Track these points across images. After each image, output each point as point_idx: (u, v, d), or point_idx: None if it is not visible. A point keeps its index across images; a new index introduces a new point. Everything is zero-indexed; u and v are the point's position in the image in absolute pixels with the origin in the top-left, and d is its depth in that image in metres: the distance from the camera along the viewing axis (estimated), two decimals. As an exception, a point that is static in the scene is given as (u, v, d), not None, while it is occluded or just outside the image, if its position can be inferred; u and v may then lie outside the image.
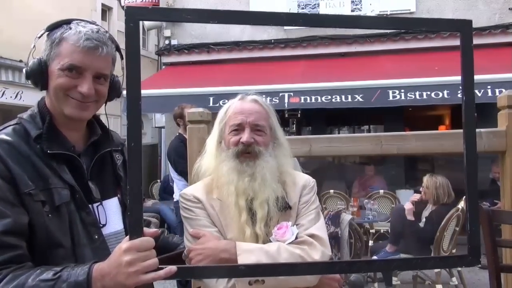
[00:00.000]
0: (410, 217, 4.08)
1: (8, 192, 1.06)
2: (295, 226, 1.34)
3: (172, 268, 0.99)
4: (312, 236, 1.33)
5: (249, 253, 1.24)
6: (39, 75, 1.19)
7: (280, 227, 1.33)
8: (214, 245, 1.27)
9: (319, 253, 1.29)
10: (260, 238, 1.32)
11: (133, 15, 0.95)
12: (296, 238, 1.31)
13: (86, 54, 1.17)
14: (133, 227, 0.97)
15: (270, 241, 1.32)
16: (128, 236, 0.98)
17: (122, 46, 1.04)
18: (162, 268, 0.99)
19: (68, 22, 1.21)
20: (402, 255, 4.05)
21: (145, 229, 0.99)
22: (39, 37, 1.21)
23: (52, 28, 1.20)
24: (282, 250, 1.26)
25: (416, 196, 4.27)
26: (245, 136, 1.36)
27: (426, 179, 4.20)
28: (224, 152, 1.40)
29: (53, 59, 1.18)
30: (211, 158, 1.44)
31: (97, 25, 1.24)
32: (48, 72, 1.19)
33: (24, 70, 1.21)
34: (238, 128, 1.38)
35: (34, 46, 1.21)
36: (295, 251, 1.27)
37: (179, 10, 1.01)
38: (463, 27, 1.03)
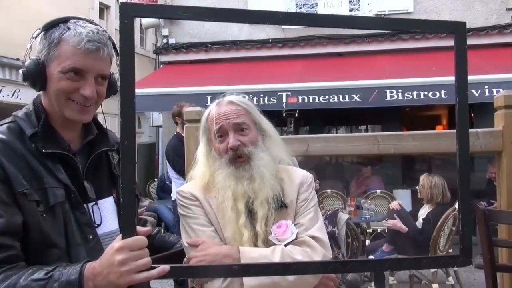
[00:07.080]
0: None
1: (2, 191, 1.05)
2: (293, 225, 1.34)
3: (165, 267, 0.98)
4: (313, 238, 1.32)
5: (253, 261, 1.23)
6: (37, 77, 1.16)
7: (279, 225, 1.31)
8: (216, 251, 1.26)
9: (320, 256, 1.29)
10: (260, 236, 1.31)
11: (127, 12, 0.93)
12: (296, 237, 1.30)
13: (88, 56, 1.14)
14: (125, 226, 0.96)
15: (270, 240, 1.31)
16: (120, 235, 0.97)
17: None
18: (155, 268, 0.98)
19: (65, 21, 1.17)
20: (399, 255, 4.06)
21: (138, 228, 0.98)
22: (35, 37, 1.18)
23: (49, 27, 1.16)
24: (285, 258, 1.25)
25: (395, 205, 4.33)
26: (230, 141, 1.34)
27: (422, 178, 4.26)
28: (217, 161, 1.38)
29: (52, 60, 1.15)
30: (204, 168, 1.42)
31: (95, 24, 1.21)
32: (47, 74, 1.16)
33: (20, 71, 1.18)
34: (222, 134, 1.37)
35: (31, 46, 1.18)
36: (298, 257, 1.26)
37: (174, 7, 1.00)
38: (457, 29, 1.02)
